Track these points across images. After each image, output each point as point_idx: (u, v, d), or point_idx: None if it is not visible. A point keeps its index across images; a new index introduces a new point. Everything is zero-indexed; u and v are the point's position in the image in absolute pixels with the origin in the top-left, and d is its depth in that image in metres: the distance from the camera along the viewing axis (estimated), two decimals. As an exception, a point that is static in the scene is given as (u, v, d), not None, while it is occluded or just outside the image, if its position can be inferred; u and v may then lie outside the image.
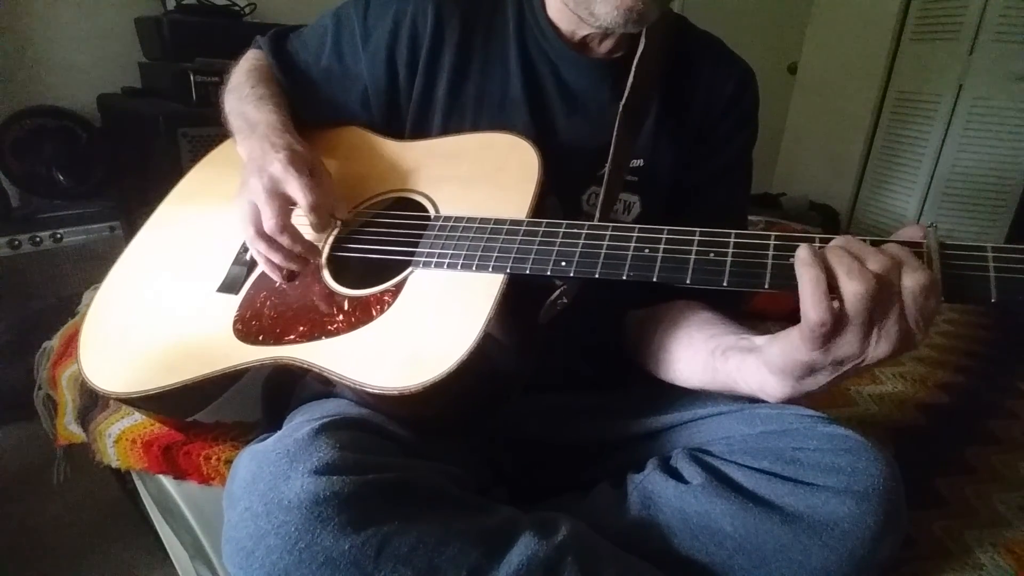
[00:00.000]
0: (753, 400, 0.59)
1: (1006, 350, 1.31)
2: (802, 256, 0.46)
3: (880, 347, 0.45)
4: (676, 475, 0.64)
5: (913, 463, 0.79)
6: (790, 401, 0.53)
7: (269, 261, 0.66)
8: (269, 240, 0.64)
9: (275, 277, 0.68)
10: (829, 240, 0.48)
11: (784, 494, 0.58)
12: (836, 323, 0.44)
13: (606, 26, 0.63)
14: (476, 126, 0.73)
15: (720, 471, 0.62)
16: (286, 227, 0.63)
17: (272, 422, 0.72)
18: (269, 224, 0.62)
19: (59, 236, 1.52)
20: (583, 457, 0.75)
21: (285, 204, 0.63)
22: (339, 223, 0.72)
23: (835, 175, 2.83)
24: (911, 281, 0.43)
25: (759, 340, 0.55)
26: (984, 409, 1.08)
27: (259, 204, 0.63)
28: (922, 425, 1.02)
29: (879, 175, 2.66)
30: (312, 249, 0.66)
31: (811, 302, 0.44)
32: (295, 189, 0.63)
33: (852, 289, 0.43)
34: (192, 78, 1.54)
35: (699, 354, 0.63)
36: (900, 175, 2.57)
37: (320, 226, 0.65)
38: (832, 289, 0.44)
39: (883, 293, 0.43)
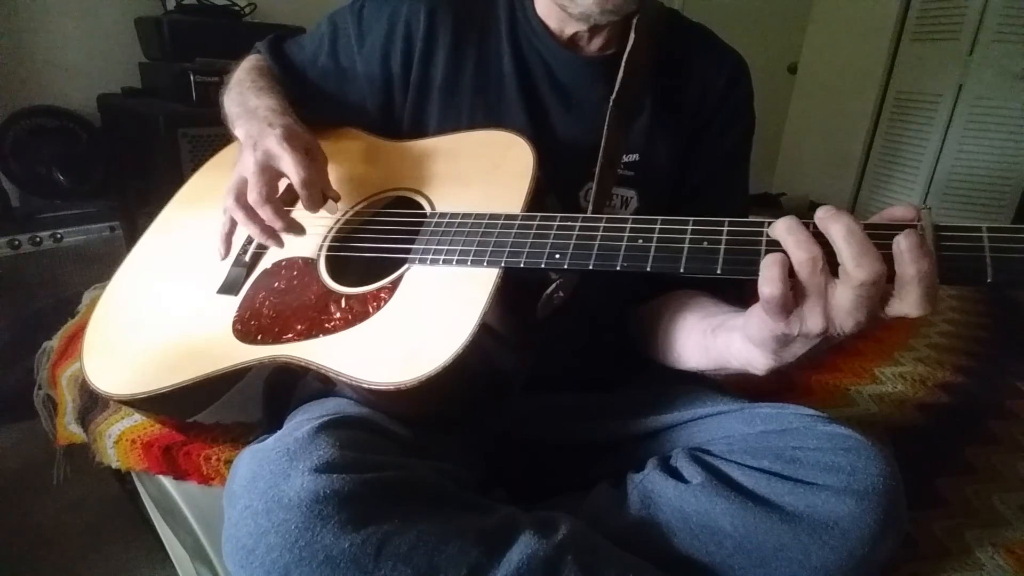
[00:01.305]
0: (752, 399, 0.59)
1: (1006, 350, 1.31)
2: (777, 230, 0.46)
3: (847, 325, 0.45)
4: (676, 474, 0.64)
5: (913, 463, 0.79)
6: (788, 401, 0.53)
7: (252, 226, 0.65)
8: (248, 210, 0.64)
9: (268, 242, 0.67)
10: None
11: (784, 493, 0.58)
12: (787, 295, 0.45)
13: (587, 14, 0.65)
14: (472, 125, 0.73)
15: (720, 470, 0.62)
16: (269, 199, 0.63)
17: (272, 422, 0.72)
18: (252, 194, 0.62)
19: (59, 236, 1.52)
20: (583, 456, 0.75)
21: (274, 178, 0.64)
22: (338, 219, 0.72)
23: (835, 175, 2.84)
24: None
25: (744, 315, 0.55)
26: (984, 409, 1.08)
27: (247, 175, 0.63)
28: (922, 425, 1.02)
29: (879, 175, 2.67)
30: (295, 226, 0.66)
31: (763, 278, 0.45)
32: (288, 164, 0.63)
33: (798, 258, 0.44)
34: (192, 78, 1.54)
35: (693, 334, 0.64)
36: (900, 175, 2.57)
37: (311, 204, 0.65)
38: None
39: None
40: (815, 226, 0.46)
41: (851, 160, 2.76)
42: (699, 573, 0.59)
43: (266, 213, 0.63)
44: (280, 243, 0.67)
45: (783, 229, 0.46)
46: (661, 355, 0.71)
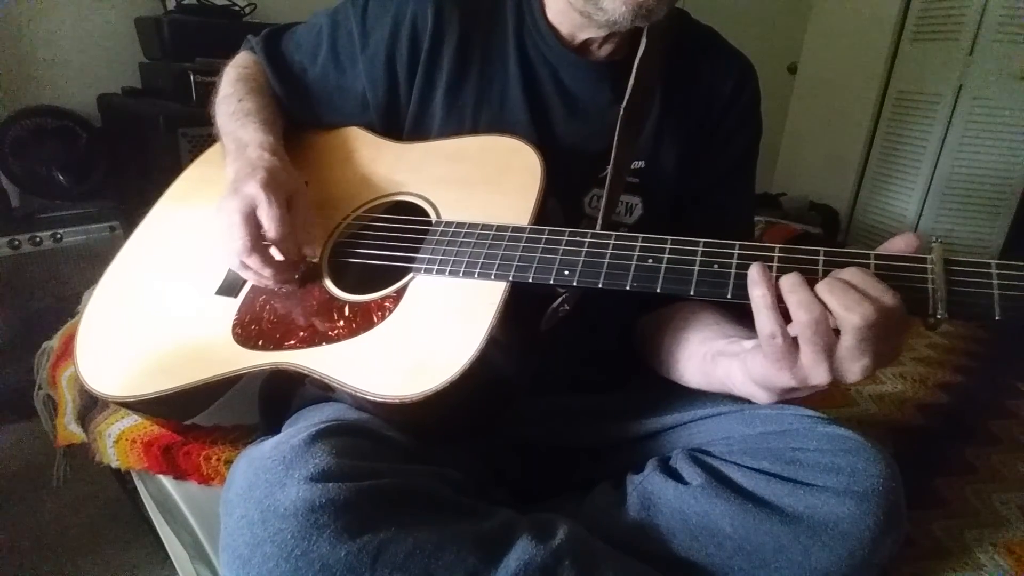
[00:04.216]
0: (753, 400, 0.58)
1: (1006, 350, 1.31)
2: (752, 276, 0.47)
3: (851, 371, 0.45)
4: (676, 476, 0.64)
5: (913, 463, 0.79)
6: (789, 401, 0.53)
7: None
8: (241, 262, 0.64)
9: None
10: (835, 255, 0.48)
11: (784, 494, 0.58)
12: (787, 340, 0.45)
13: (614, 20, 0.62)
14: (475, 129, 0.72)
15: (720, 472, 0.62)
16: (254, 250, 0.62)
17: (270, 425, 0.72)
18: (235, 246, 0.62)
19: (59, 236, 1.52)
20: (583, 458, 0.75)
21: (256, 228, 0.62)
22: (340, 223, 0.71)
23: (835, 175, 2.83)
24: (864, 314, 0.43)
25: (746, 345, 0.55)
26: (984, 409, 1.08)
27: (230, 225, 0.62)
28: (922, 425, 1.02)
29: (879, 175, 2.66)
30: (286, 270, 0.65)
31: (758, 317, 0.46)
32: (264, 216, 0.61)
33: (800, 319, 0.44)
34: (192, 78, 1.54)
35: (694, 357, 0.63)
36: (900, 175, 2.56)
37: (288, 256, 0.64)
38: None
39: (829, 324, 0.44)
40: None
41: (851, 160, 2.75)
42: (699, 575, 0.59)
43: (254, 262, 0.63)
44: (286, 278, 0.66)
45: (787, 287, 0.46)
46: (663, 369, 0.70)
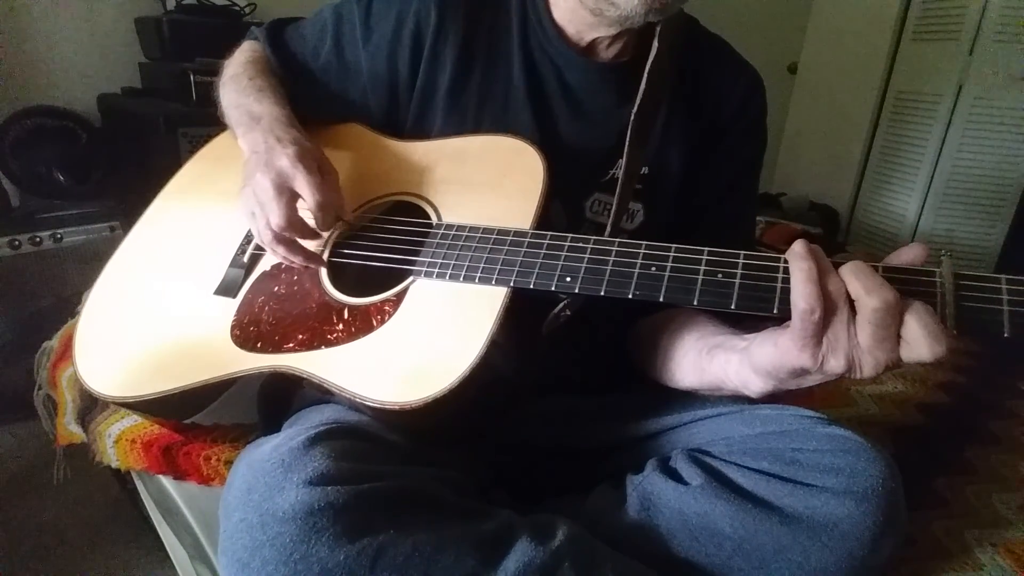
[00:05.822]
0: (752, 401, 0.58)
1: (1006, 350, 1.31)
2: (797, 250, 0.46)
3: (867, 365, 0.45)
4: (675, 476, 0.64)
5: (913, 463, 0.79)
6: (786, 402, 0.53)
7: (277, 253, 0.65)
8: (277, 235, 0.63)
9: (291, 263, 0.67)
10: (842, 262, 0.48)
11: (783, 495, 0.58)
12: (826, 312, 0.44)
13: (626, 16, 0.61)
14: (477, 128, 0.72)
15: (719, 472, 0.62)
16: (293, 224, 0.62)
17: (269, 425, 0.72)
18: (276, 220, 0.61)
19: (59, 236, 1.52)
20: (583, 458, 0.75)
21: (292, 200, 0.63)
22: (342, 224, 0.71)
23: (835, 175, 2.83)
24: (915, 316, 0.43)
25: (747, 339, 0.55)
26: (984, 409, 1.08)
27: (265, 200, 0.62)
28: (922, 425, 1.02)
29: (879, 175, 2.66)
30: (319, 241, 0.65)
31: (800, 290, 0.44)
32: (303, 186, 0.62)
33: (870, 303, 0.44)
34: (192, 78, 1.54)
35: (688, 354, 0.63)
36: (900, 175, 2.56)
37: (324, 226, 0.64)
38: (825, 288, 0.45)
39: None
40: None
41: (851, 160, 2.75)
42: (699, 575, 0.59)
43: (291, 237, 0.63)
44: (321, 263, 0.67)
45: (852, 270, 0.46)
46: (655, 371, 0.69)
